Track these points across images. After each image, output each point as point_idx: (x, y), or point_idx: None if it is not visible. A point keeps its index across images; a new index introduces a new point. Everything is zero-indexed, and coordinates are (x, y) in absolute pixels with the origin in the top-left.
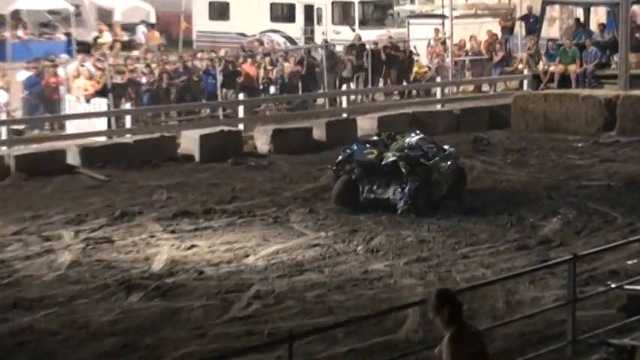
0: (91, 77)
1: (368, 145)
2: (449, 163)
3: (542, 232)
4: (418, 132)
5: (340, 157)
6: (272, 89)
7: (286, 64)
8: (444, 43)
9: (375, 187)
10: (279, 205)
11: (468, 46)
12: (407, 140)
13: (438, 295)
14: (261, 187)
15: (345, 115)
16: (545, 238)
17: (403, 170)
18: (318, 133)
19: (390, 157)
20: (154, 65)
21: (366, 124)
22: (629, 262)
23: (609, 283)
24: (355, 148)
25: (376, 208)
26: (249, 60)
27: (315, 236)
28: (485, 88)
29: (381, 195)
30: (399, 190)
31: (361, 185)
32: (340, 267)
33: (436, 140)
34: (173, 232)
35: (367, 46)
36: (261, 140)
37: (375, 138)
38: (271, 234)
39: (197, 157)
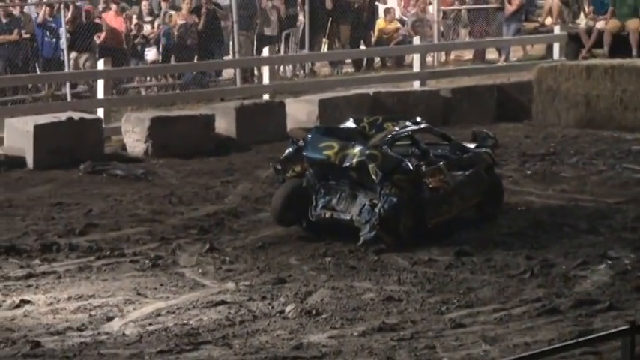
0: None
1: (326, 136)
2: (469, 171)
3: (581, 288)
4: (420, 120)
5: (287, 152)
6: (151, 54)
7: (173, 13)
8: None
9: (334, 200)
10: (162, 238)
11: None
12: (395, 130)
13: None
14: (132, 211)
15: (266, 97)
16: (585, 297)
17: (373, 177)
18: (224, 124)
19: (356, 155)
20: None
21: (300, 111)
22: None
23: None
24: (310, 138)
25: (334, 232)
26: (115, 6)
27: (219, 289)
28: (491, 55)
29: (341, 213)
30: (368, 207)
31: (314, 196)
32: (258, 338)
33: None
34: None
35: None
36: (134, 135)
37: (348, 124)
38: (149, 285)
39: (30, 162)
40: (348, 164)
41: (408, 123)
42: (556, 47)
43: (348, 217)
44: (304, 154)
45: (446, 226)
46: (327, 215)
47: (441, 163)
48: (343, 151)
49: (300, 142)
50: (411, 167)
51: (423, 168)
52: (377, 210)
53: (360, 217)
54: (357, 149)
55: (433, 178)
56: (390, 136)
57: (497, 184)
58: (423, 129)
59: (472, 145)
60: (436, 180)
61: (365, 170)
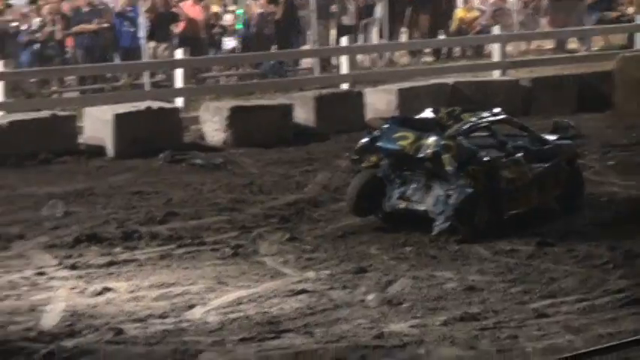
0: None
1: (402, 126)
2: (550, 163)
3: None
4: (499, 110)
5: (363, 142)
6: (229, 43)
7: (253, 2)
8: None
9: (409, 191)
10: (242, 227)
11: None
12: (471, 121)
13: None
14: (212, 200)
15: (345, 86)
16: None
17: (448, 168)
18: (303, 113)
19: (431, 146)
20: (41, 2)
21: (379, 101)
22: None
23: None
24: (386, 128)
25: (403, 223)
26: None
27: (300, 278)
28: (572, 45)
29: (416, 204)
30: (443, 198)
31: (389, 187)
32: (340, 327)
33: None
34: (74, 267)
35: None
36: (213, 125)
37: (426, 114)
38: (230, 273)
39: (110, 150)
40: (422, 155)
41: (486, 114)
42: (638, 36)
43: (423, 208)
44: (379, 144)
45: (526, 217)
46: (401, 206)
47: (519, 155)
48: (418, 142)
49: (376, 132)
50: (487, 158)
51: (502, 159)
52: (451, 201)
53: (435, 208)
54: (432, 140)
55: (510, 169)
56: (466, 126)
57: (579, 176)
58: (501, 120)
59: (553, 137)
60: (513, 171)
61: (440, 161)
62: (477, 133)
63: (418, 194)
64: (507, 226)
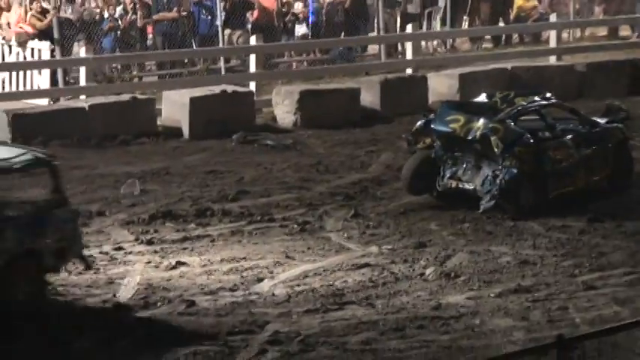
0: (27, 11)
1: (454, 110)
2: (598, 145)
3: None
4: (550, 96)
5: (418, 124)
6: (300, 30)
7: None
8: None
9: (460, 171)
10: (309, 205)
11: None
12: (522, 104)
13: None
14: (282, 178)
15: (409, 71)
16: None
17: (495, 149)
18: (369, 97)
19: (480, 128)
20: None
21: (441, 85)
22: None
23: None
24: (439, 111)
25: (459, 201)
26: None
27: (363, 252)
28: (625, 32)
29: (466, 183)
30: (490, 177)
31: (442, 167)
32: (400, 299)
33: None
34: (150, 242)
35: None
36: (284, 107)
37: (481, 98)
38: (297, 248)
39: (186, 132)
40: (472, 137)
41: (537, 98)
42: None
43: (472, 187)
44: (432, 126)
45: (577, 195)
46: (453, 185)
47: (568, 137)
48: (468, 124)
49: (431, 116)
50: (532, 140)
51: (550, 141)
52: (498, 180)
53: (482, 187)
54: (481, 122)
55: (556, 151)
56: (515, 110)
57: (628, 158)
58: (551, 104)
59: (603, 120)
60: (559, 153)
61: (488, 142)
62: (527, 117)
63: (468, 174)
64: (558, 204)
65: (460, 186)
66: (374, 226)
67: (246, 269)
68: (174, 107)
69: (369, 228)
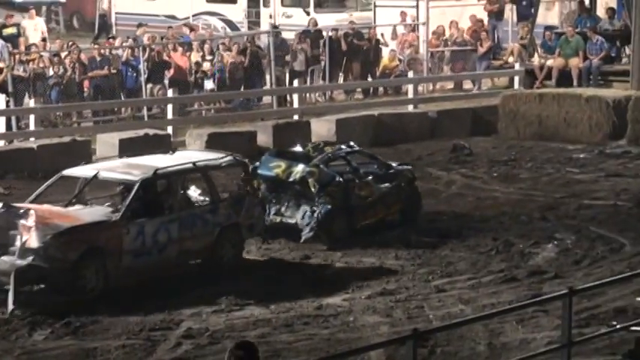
0: None
1: (276, 157)
2: (392, 184)
3: (534, 262)
4: (353, 144)
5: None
6: (208, 84)
7: (225, 53)
8: (417, 30)
9: (283, 208)
10: None
11: (447, 35)
12: (331, 152)
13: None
14: None
15: (296, 117)
16: (537, 269)
17: (312, 189)
18: (264, 138)
19: (299, 172)
20: (63, 54)
21: (321, 128)
22: (639, 299)
23: (614, 323)
24: (264, 159)
25: (283, 234)
26: (180, 49)
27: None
28: (467, 85)
29: (288, 218)
30: (309, 213)
31: (268, 206)
32: (287, 303)
33: (384, 156)
34: None
35: (324, 33)
36: (195, 147)
37: (296, 148)
38: None
39: None
40: (292, 179)
41: (342, 146)
42: (516, 79)
43: (294, 221)
44: (258, 172)
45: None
46: (277, 220)
47: (369, 178)
48: (289, 169)
49: (257, 163)
50: (342, 181)
51: (355, 181)
52: (315, 215)
53: (303, 221)
54: (300, 167)
55: (361, 189)
56: (327, 156)
57: (417, 194)
58: (354, 151)
59: (395, 164)
60: (363, 190)
61: (306, 184)
62: (336, 162)
63: (290, 211)
64: (364, 233)
65: (284, 221)
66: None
67: None
68: (106, 147)
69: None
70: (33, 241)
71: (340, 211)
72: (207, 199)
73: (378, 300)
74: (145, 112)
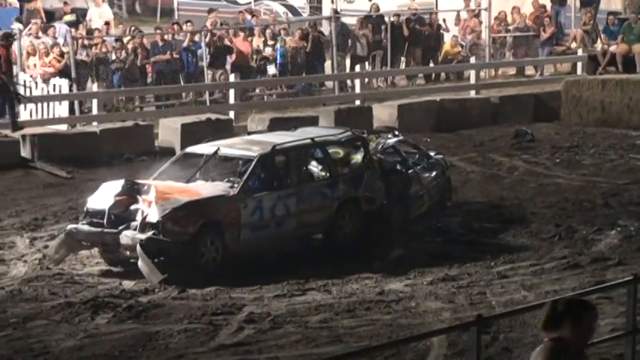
0: (49, 53)
1: None
2: (434, 173)
3: (597, 248)
4: (397, 133)
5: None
6: (270, 70)
7: (287, 39)
8: (479, 15)
9: None
10: None
11: (509, 20)
12: (381, 142)
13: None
14: None
15: (358, 102)
16: (600, 255)
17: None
18: (326, 123)
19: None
20: (126, 39)
21: (383, 114)
22: None
23: None
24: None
25: None
26: (242, 34)
27: None
28: (529, 71)
29: None
30: None
31: None
32: (351, 286)
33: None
34: None
35: (386, 19)
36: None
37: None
38: None
39: (178, 151)
40: None
41: (390, 135)
42: (579, 65)
43: None
44: None
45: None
46: None
47: (418, 167)
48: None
49: None
50: (403, 170)
51: (409, 171)
52: None
53: None
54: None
55: (414, 179)
56: (381, 146)
57: (449, 184)
58: (400, 140)
59: (433, 153)
60: (416, 180)
61: None
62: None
63: None
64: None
65: None
66: None
67: None
68: (168, 131)
69: None
70: (153, 215)
71: (397, 201)
72: (327, 174)
73: (440, 286)
74: (207, 97)
